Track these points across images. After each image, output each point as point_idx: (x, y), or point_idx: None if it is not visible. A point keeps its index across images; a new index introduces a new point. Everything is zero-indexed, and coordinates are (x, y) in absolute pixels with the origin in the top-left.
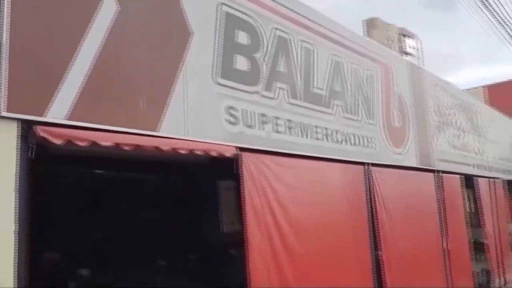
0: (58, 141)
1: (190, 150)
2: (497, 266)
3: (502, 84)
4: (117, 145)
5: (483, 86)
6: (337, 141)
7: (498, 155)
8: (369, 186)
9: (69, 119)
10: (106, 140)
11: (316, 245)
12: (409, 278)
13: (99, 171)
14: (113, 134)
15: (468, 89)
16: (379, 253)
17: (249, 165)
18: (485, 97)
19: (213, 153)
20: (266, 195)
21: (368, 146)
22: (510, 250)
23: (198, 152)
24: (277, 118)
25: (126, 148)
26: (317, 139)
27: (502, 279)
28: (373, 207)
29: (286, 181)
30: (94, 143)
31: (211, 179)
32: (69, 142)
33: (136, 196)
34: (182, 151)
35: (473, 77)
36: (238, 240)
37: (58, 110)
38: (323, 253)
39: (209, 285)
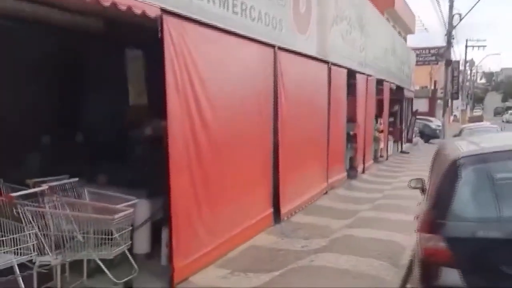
0: None
1: (113, 3)
2: (362, 155)
3: None
4: None
5: None
6: (252, 18)
7: (374, 55)
8: (275, 70)
9: None
10: None
11: (229, 120)
12: (298, 159)
13: None
14: None
15: None
16: (277, 136)
17: (172, 30)
18: None
19: (137, 11)
20: (185, 63)
21: (277, 28)
22: (372, 142)
23: (121, 7)
24: None
25: None
26: (235, 12)
27: (364, 165)
28: (276, 92)
29: (205, 54)
30: None
31: (115, 47)
32: None
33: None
34: (105, 3)
35: None
36: (147, 113)
37: None
38: (234, 128)
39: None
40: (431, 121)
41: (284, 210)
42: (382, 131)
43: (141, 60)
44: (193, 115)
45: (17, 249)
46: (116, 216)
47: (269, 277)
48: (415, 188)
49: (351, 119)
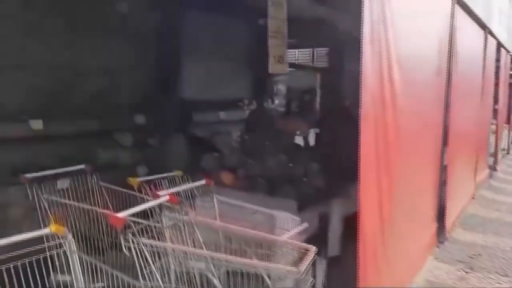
0: None
1: None
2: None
3: None
4: None
5: None
6: None
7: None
8: (451, 32)
9: None
10: None
11: (414, 98)
12: (460, 153)
13: None
14: None
15: None
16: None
17: None
18: None
19: None
20: (383, 11)
21: None
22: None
23: None
24: None
25: None
26: None
27: (496, 160)
28: (450, 64)
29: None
30: None
31: None
32: None
33: None
34: None
35: None
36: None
37: None
38: (417, 110)
39: None
40: None
41: (448, 224)
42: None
43: (283, 6)
44: (385, 89)
45: None
46: (301, 266)
47: None
48: None
49: None
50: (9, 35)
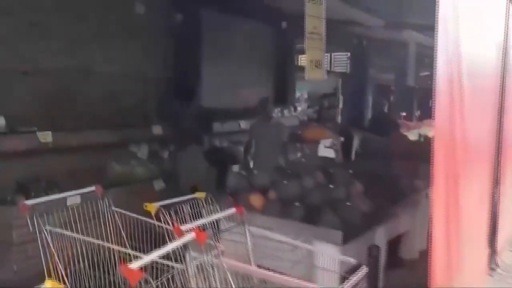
0: None
1: None
2: None
3: None
4: None
5: None
6: None
7: None
8: (506, 32)
9: None
10: None
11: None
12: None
13: None
14: None
15: None
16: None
17: None
18: None
19: None
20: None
21: None
22: None
23: None
24: None
25: None
26: None
27: None
28: (504, 71)
29: None
30: None
31: None
32: None
33: None
34: None
35: None
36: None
37: None
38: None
39: None
40: None
41: (499, 246)
42: None
43: (322, 3)
44: (455, 102)
45: None
46: None
47: None
48: None
49: None
50: (14, 39)
